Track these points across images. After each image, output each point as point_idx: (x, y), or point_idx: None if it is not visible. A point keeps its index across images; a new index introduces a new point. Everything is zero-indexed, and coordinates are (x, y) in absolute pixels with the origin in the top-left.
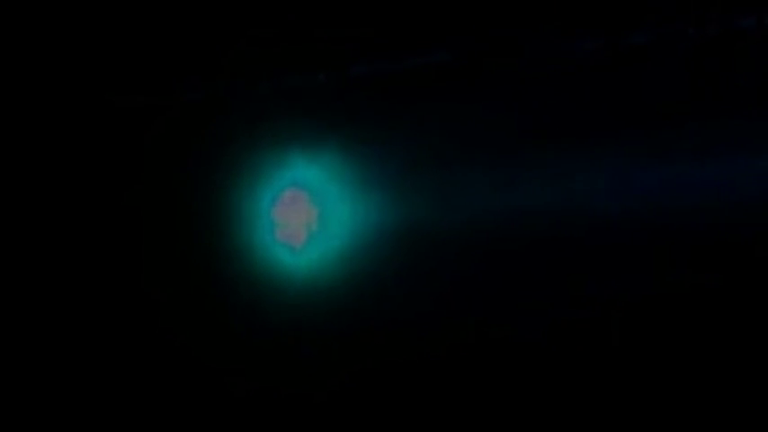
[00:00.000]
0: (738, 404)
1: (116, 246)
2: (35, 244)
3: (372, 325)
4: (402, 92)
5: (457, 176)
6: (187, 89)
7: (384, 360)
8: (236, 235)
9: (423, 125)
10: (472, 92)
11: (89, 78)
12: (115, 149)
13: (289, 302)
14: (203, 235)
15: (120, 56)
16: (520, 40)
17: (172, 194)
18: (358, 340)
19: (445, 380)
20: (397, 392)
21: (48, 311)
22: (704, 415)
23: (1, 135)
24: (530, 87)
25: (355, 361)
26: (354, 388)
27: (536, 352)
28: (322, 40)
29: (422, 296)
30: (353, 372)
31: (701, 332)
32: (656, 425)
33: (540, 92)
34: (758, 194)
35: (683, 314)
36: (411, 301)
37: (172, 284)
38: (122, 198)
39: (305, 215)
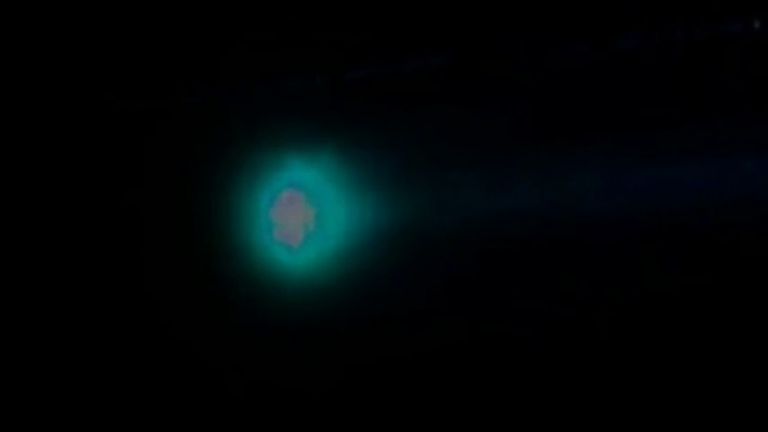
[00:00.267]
0: (727, 400)
1: (118, 245)
2: (39, 242)
3: (367, 322)
4: (397, 95)
5: (450, 178)
6: (188, 92)
7: (379, 356)
8: (236, 234)
9: (417, 128)
10: (466, 95)
11: (93, 82)
12: (118, 151)
13: (286, 300)
14: (203, 234)
15: (123, 60)
16: (513, 45)
17: (172, 195)
18: (353, 337)
19: (438, 376)
20: (391, 388)
21: (52, 307)
22: (693, 411)
23: (4, 136)
24: (523, 91)
25: (351, 357)
26: (350, 383)
27: (528, 350)
28: (319, 45)
29: (416, 295)
30: (349, 367)
31: (689, 329)
32: (646, 420)
33: (533, 95)
34: (745, 195)
35: (671, 312)
36: (405, 300)
37: (173, 282)
38: (124, 198)
39: (302, 215)
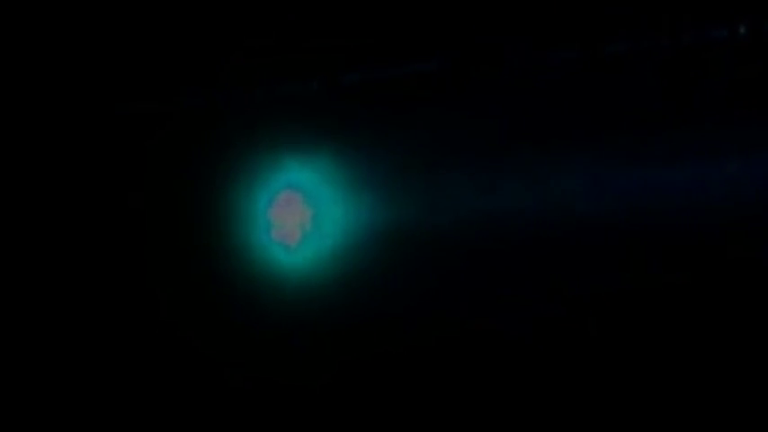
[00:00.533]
0: (711, 396)
1: (121, 244)
2: (43, 240)
3: (363, 319)
4: (391, 99)
5: (443, 179)
6: (188, 97)
7: (373, 351)
8: (235, 234)
9: (411, 131)
10: (457, 99)
11: (96, 87)
12: (120, 153)
13: (284, 298)
14: (204, 234)
15: (125, 66)
16: (503, 51)
17: (174, 196)
18: (349, 334)
19: (431, 371)
20: (385, 382)
21: (55, 303)
22: (678, 406)
23: (9, 139)
24: (512, 95)
25: (347, 353)
26: (346, 378)
27: (518, 346)
28: (315, 51)
29: (409, 292)
30: (345, 362)
31: (673, 326)
32: (631, 414)
33: (522, 99)
34: (728, 196)
35: (655, 309)
36: (399, 297)
37: (174, 281)
38: (127, 199)
39: (299, 216)
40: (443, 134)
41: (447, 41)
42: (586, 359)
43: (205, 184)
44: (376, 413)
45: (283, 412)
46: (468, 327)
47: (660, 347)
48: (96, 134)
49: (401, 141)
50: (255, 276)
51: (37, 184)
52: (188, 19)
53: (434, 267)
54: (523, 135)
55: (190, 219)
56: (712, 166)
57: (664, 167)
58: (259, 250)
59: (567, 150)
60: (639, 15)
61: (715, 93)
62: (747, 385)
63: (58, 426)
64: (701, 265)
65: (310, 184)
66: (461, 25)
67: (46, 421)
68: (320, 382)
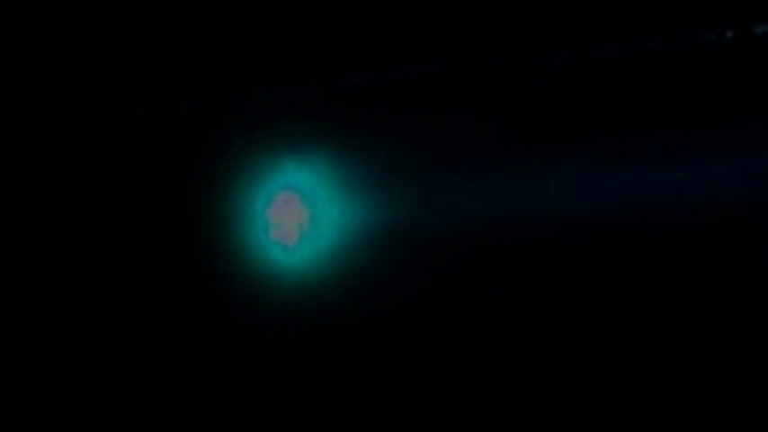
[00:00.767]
0: (702, 391)
1: (122, 243)
2: (44, 240)
3: (359, 317)
4: (387, 102)
5: (437, 180)
6: (189, 99)
7: (370, 349)
8: (234, 234)
9: (406, 133)
10: (452, 102)
11: (98, 90)
12: (122, 154)
13: (282, 296)
14: (203, 234)
15: (127, 68)
16: (497, 54)
17: (174, 196)
18: (346, 331)
19: (427, 368)
20: (381, 379)
21: (57, 301)
22: (669, 401)
23: (12, 141)
24: (506, 97)
25: (343, 350)
26: (342, 375)
27: (512, 343)
28: (314, 55)
29: (405, 291)
30: (341, 359)
31: (665, 323)
32: (625, 411)
33: (516, 102)
34: (717, 196)
35: (647, 307)
36: (395, 296)
37: (175, 279)
38: (129, 200)
39: (297, 216)
40: (438, 136)
41: (441, 46)
42: (580, 357)
43: (205, 185)
44: (373, 410)
45: (281, 409)
46: (464, 325)
47: (652, 344)
48: (98, 135)
49: (397, 143)
50: (254, 274)
51: (39, 185)
52: (189, 23)
53: (429, 266)
54: (517, 136)
55: (190, 218)
56: (701, 167)
57: (654, 168)
58: (258, 249)
59: (561, 151)
60: (631, 20)
61: (703, 95)
62: (738, 382)
63: (58, 425)
64: (691, 263)
65: (308, 184)
66: (455, 30)
67: (46, 421)
68: (317, 379)
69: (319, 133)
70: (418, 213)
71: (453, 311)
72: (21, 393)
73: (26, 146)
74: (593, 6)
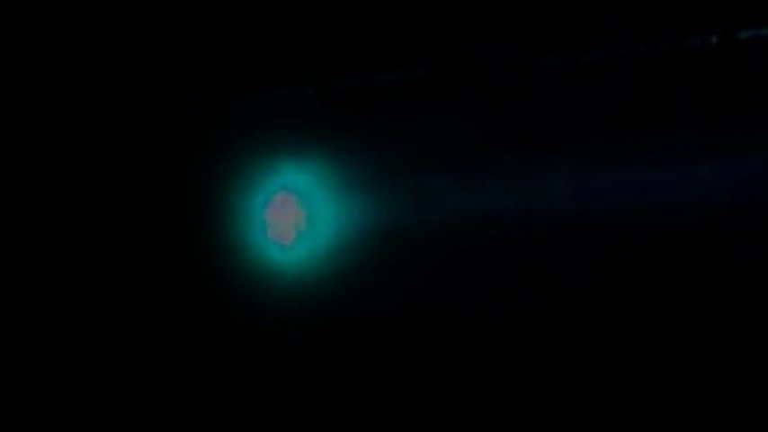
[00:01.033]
0: (693, 390)
1: (123, 245)
2: (46, 241)
3: (355, 315)
4: (382, 104)
5: (432, 181)
6: (188, 102)
7: (366, 346)
8: (232, 234)
9: (401, 135)
10: (445, 105)
11: (99, 93)
12: (122, 156)
13: (280, 294)
14: (203, 234)
15: (127, 72)
16: (488, 58)
17: (174, 198)
18: (342, 329)
19: (421, 365)
20: (377, 376)
21: (58, 300)
22: (661, 402)
23: (13, 143)
24: (498, 100)
25: (340, 348)
26: (339, 373)
27: (505, 341)
28: (310, 59)
29: (400, 289)
30: (339, 357)
31: (651, 321)
32: (617, 409)
33: (507, 104)
34: (702, 198)
35: (635, 305)
36: (390, 294)
37: (174, 279)
38: (129, 201)
39: (294, 216)
40: (432, 138)
41: (434, 50)
42: (572, 354)
43: (204, 186)
44: (369, 407)
45: (278, 407)
46: (457, 323)
47: (642, 342)
48: (99, 138)
49: (392, 145)
50: (252, 274)
51: (42, 187)
52: (188, 28)
53: (424, 266)
54: (509, 139)
55: (189, 219)
56: (687, 169)
57: (641, 170)
58: (256, 249)
59: (551, 153)
60: (619, 25)
61: (690, 99)
62: (724, 379)
63: (58, 425)
64: (677, 262)
65: (305, 185)
66: (448, 35)
67: (46, 421)
68: (314, 377)
69: (316, 136)
70: (412, 214)
71: (447, 309)
72: (21, 393)
73: (28, 148)
74: (582, 12)
